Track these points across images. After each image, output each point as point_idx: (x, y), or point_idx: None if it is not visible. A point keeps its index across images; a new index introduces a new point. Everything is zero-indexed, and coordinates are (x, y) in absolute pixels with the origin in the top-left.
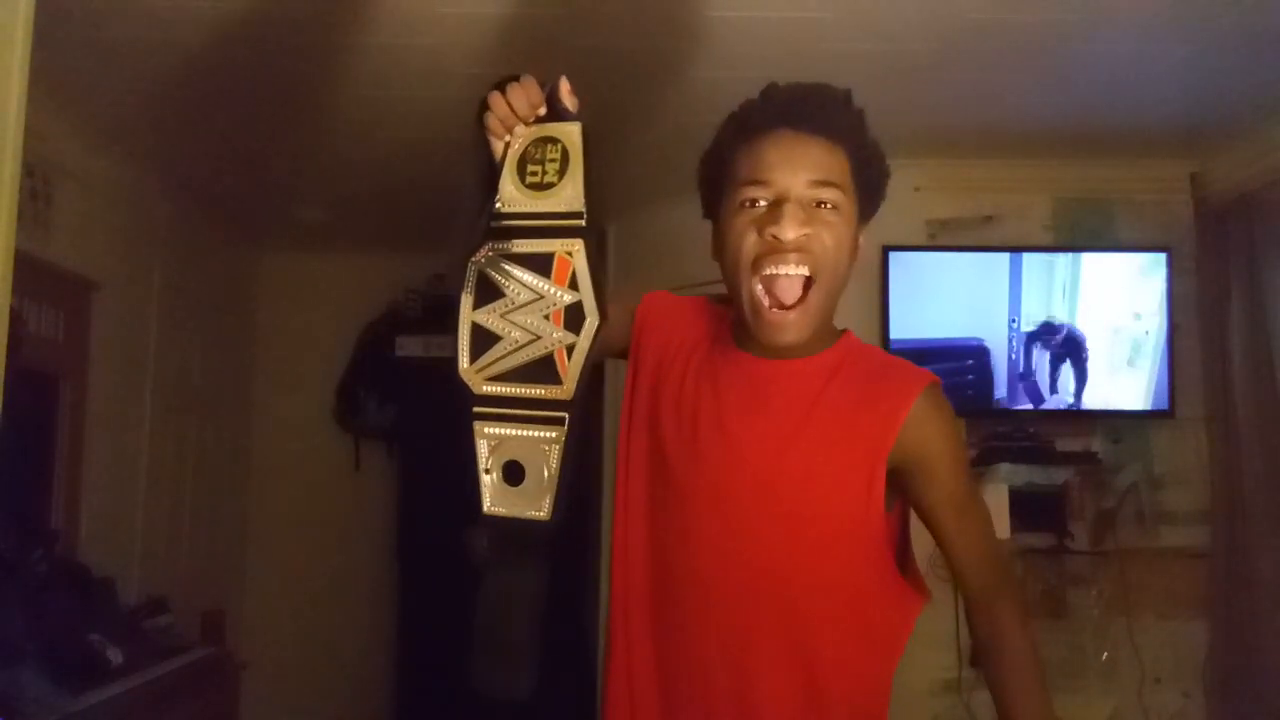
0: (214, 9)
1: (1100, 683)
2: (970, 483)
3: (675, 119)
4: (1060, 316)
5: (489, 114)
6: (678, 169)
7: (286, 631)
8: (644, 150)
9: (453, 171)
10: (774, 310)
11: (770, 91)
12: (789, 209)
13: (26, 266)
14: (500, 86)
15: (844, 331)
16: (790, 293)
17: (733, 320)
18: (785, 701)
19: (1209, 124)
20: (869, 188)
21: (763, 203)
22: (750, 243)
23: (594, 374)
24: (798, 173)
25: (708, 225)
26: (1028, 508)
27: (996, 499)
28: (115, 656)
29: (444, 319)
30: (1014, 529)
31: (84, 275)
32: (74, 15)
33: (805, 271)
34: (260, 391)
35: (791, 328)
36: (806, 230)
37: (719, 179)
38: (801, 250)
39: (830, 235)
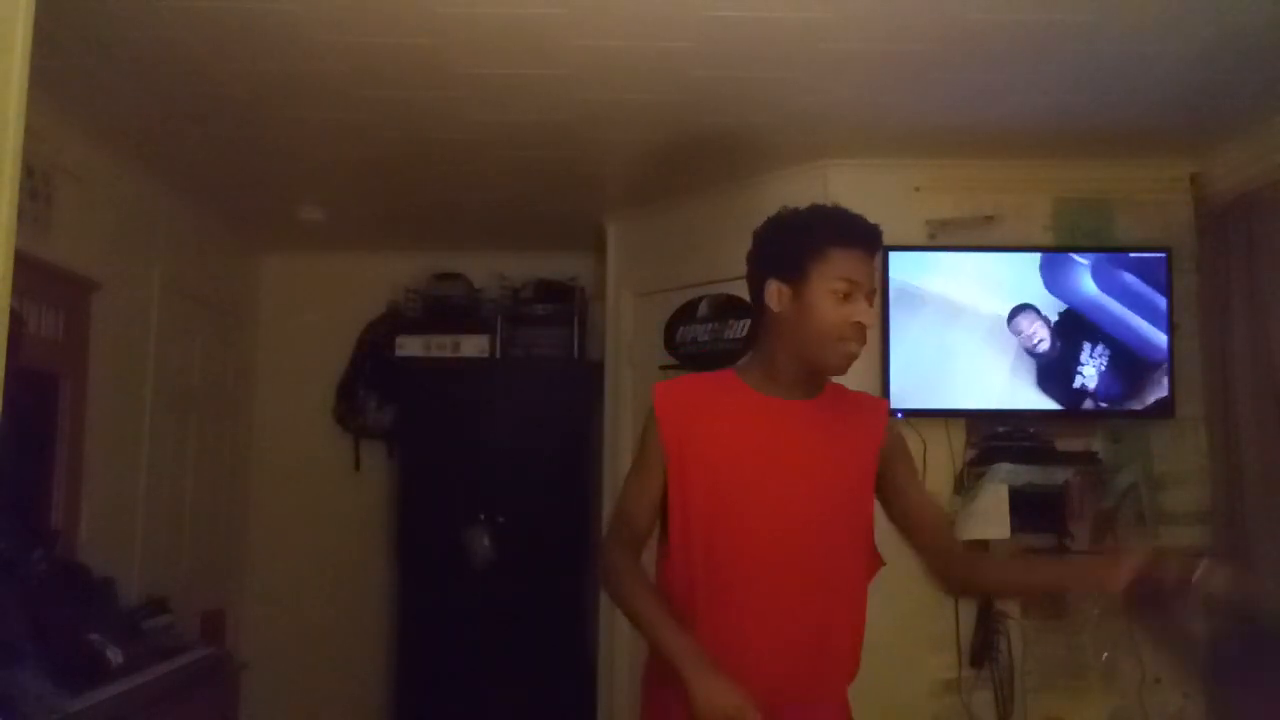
0: (214, 9)
1: (1100, 683)
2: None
3: (675, 119)
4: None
5: None
6: (678, 169)
7: (286, 631)
8: (644, 150)
9: (451, 171)
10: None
11: (857, 218)
12: (866, 306)
13: (26, 266)
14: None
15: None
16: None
17: (759, 375)
18: (839, 631)
19: (1209, 124)
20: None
21: (843, 294)
22: (838, 317)
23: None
24: (871, 279)
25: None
26: (1028, 508)
27: (996, 499)
28: (115, 656)
29: (444, 319)
30: (1014, 529)
31: (84, 275)
32: (74, 15)
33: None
34: (260, 391)
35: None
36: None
37: (807, 253)
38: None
39: (870, 320)
